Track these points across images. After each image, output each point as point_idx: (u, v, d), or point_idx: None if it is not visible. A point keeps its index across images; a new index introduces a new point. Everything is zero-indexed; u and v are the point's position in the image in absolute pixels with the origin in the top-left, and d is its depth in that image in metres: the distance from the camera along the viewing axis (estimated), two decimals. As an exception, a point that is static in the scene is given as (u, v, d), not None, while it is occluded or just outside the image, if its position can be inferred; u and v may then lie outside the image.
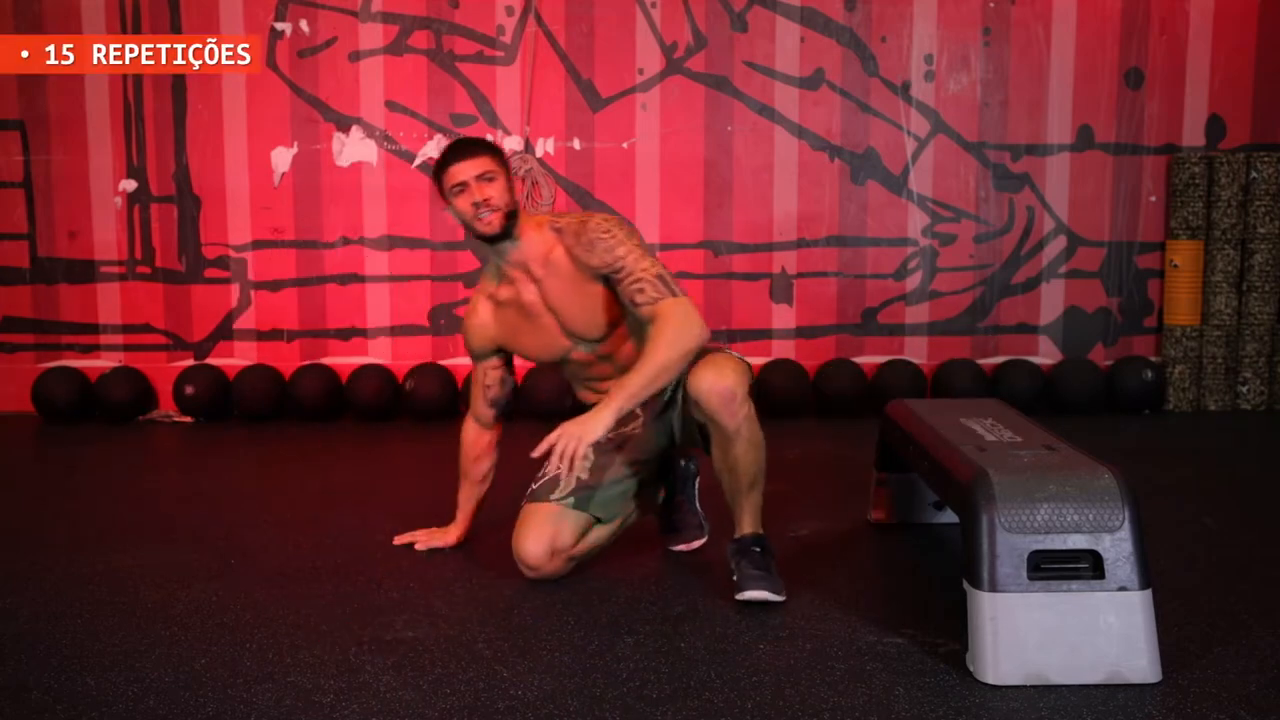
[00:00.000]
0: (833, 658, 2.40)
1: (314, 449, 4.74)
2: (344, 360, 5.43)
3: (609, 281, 2.84)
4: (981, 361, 5.41)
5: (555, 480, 2.90)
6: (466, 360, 5.39)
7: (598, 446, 2.86)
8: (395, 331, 5.46)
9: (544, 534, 2.85)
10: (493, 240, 2.85)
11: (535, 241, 2.88)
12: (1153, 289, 5.51)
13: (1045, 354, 5.51)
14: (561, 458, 2.61)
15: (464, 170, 2.80)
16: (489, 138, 5.36)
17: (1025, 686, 2.24)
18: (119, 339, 5.45)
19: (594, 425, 2.61)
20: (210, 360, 5.43)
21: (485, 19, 5.33)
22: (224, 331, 5.46)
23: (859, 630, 2.56)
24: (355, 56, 5.33)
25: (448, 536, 3.20)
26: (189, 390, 5.24)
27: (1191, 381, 5.38)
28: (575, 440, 2.61)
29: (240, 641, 2.51)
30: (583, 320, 2.90)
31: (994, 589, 2.25)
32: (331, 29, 5.32)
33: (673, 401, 2.94)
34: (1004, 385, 5.26)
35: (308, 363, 5.38)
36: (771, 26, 5.35)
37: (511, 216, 2.82)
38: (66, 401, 5.22)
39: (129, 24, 5.29)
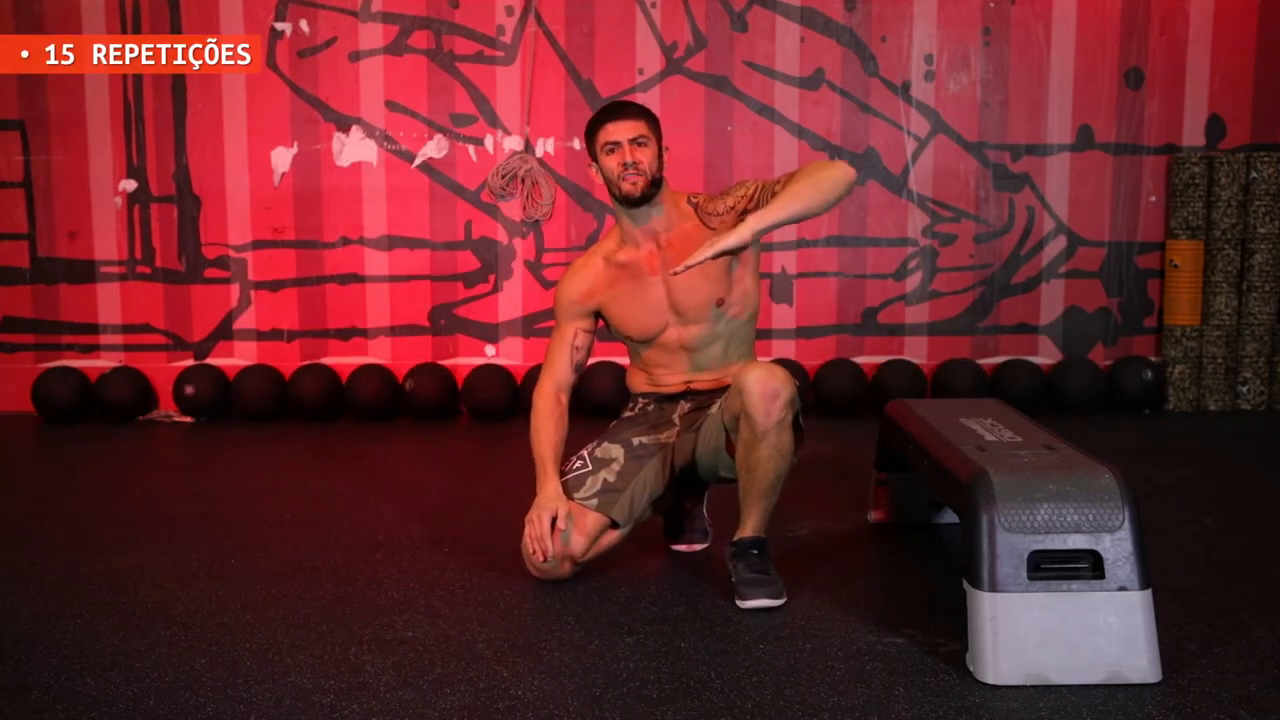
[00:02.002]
0: (833, 658, 2.40)
1: (314, 449, 4.74)
2: (344, 360, 5.43)
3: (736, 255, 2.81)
4: (981, 361, 5.41)
5: (582, 477, 2.90)
6: (466, 360, 5.47)
7: (630, 450, 2.90)
8: (395, 331, 5.46)
9: (557, 539, 2.82)
10: (633, 204, 2.88)
11: (671, 212, 2.95)
12: (1153, 289, 5.51)
13: (1045, 354, 5.51)
14: (697, 255, 2.67)
15: (619, 130, 2.85)
16: (488, 139, 5.37)
17: (1025, 686, 2.24)
18: (119, 339, 5.45)
19: (736, 233, 2.65)
20: (210, 360, 5.43)
21: (485, 19, 5.33)
22: (224, 331, 5.46)
23: (859, 630, 2.56)
24: (355, 56, 5.33)
25: (560, 504, 2.84)
26: (189, 390, 5.24)
27: (1191, 381, 5.38)
28: (720, 239, 2.65)
29: (240, 641, 2.51)
30: (693, 297, 2.91)
31: (994, 589, 2.25)
32: (331, 29, 5.32)
33: (705, 414, 2.97)
34: (1004, 385, 5.26)
35: (308, 363, 5.38)
36: (771, 26, 5.35)
37: (656, 184, 2.88)
38: (66, 401, 5.22)
39: (129, 24, 5.29)
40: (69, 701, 2.21)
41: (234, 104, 5.33)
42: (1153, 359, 5.42)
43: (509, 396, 5.25)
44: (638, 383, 3.12)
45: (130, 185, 5.38)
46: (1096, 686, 2.24)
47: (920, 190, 5.43)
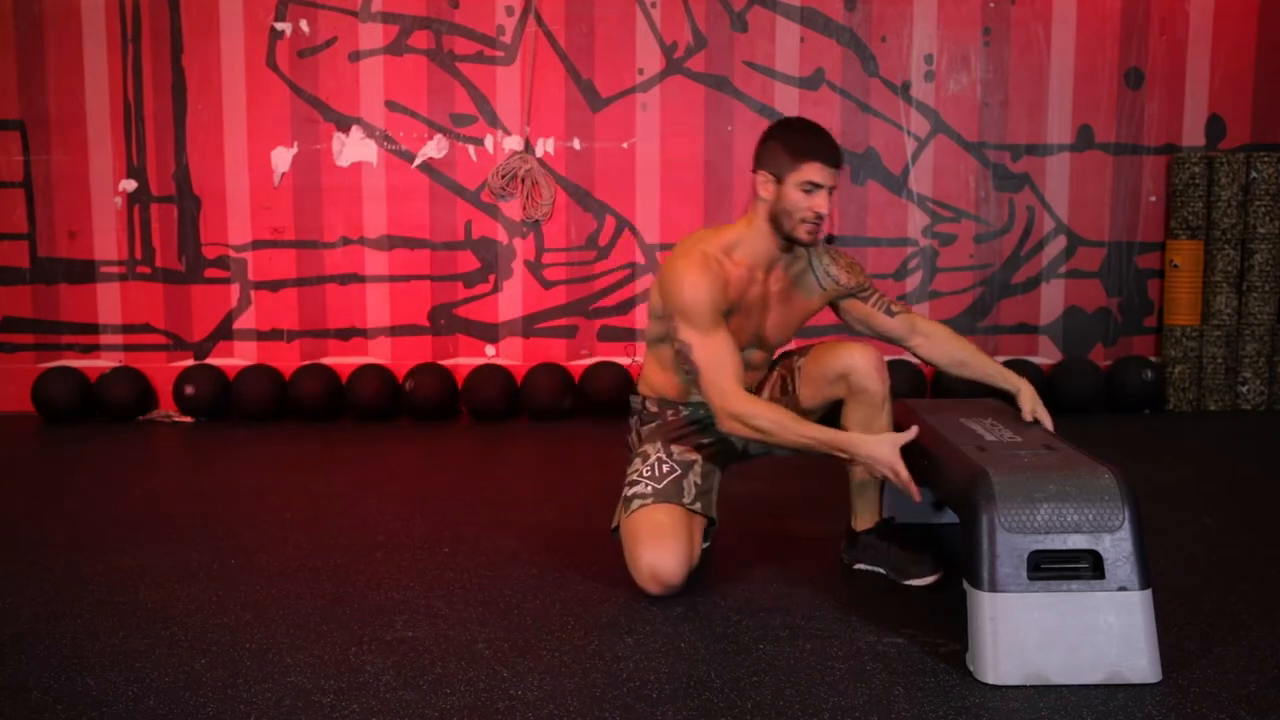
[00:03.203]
0: (833, 658, 2.40)
1: (314, 449, 4.74)
2: (344, 360, 5.43)
3: (834, 302, 2.96)
4: (981, 361, 5.40)
5: (678, 482, 2.81)
6: (466, 360, 5.46)
7: (704, 450, 2.88)
8: (395, 331, 5.46)
9: (683, 550, 2.71)
10: (792, 243, 2.78)
11: (797, 251, 2.87)
12: (1153, 289, 5.51)
13: (1045, 354, 5.51)
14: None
15: (827, 176, 2.69)
16: (488, 139, 5.37)
17: (1025, 686, 2.24)
18: (119, 339, 5.45)
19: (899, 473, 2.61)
20: (210, 360, 5.43)
21: (485, 19, 5.33)
22: (224, 331, 5.46)
23: (859, 630, 2.56)
24: (355, 56, 5.33)
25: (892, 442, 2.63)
26: (189, 390, 5.24)
27: (1191, 381, 5.37)
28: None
29: (240, 641, 2.51)
30: (782, 332, 2.92)
31: (994, 589, 2.25)
32: (331, 29, 5.32)
33: None
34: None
35: (308, 363, 5.38)
36: (771, 26, 5.35)
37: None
38: (66, 401, 5.22)
39: (129, 24, 5.29)
40: (69, 701, 2.21)
41: (234, 104, 5.33)
42: (1153, 359, 5.42)
43: (509, 396, 5.25)
44: (678, 391, 2.94)
45: (130, 185, 5.38)
46: (1096, 687, 2.23)
47: (920, 190, 5.43)
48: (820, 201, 2.68)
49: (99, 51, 5.31)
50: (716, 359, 2.69)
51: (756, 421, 2.66)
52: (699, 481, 2.84)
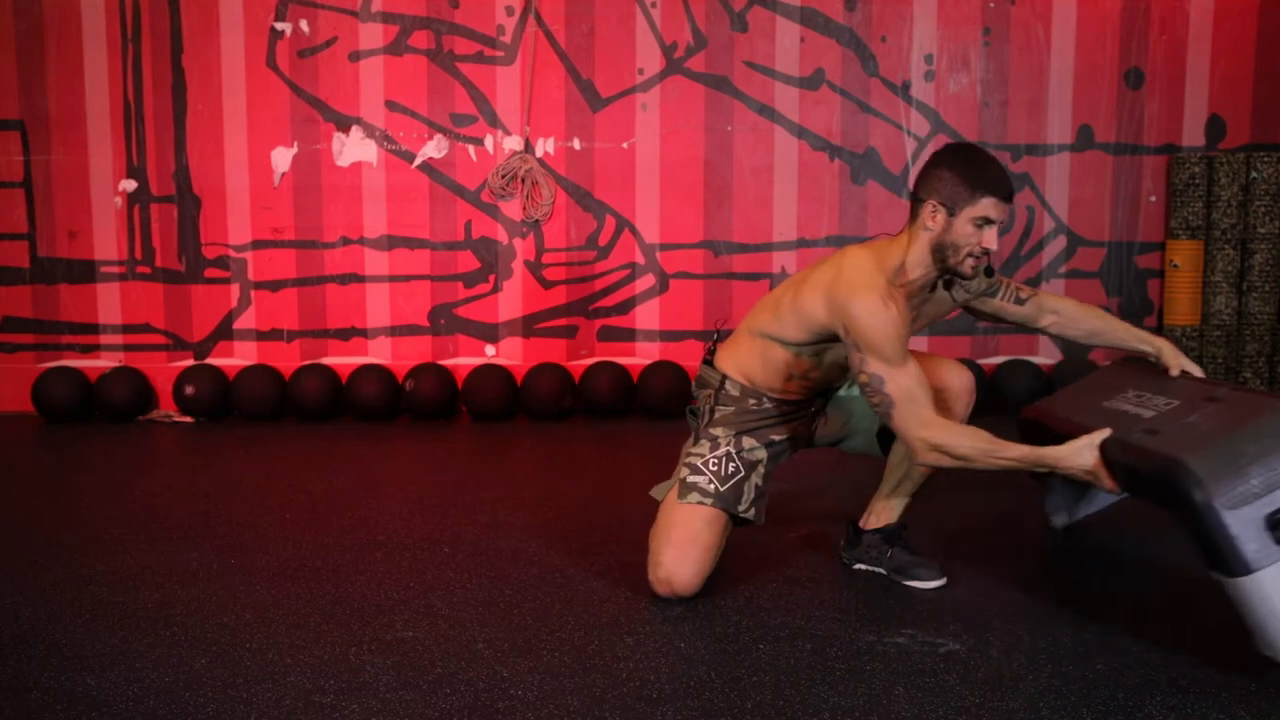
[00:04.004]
0: (833, 658, 2.40)
1: (314, 449, 4.74)
2: (344, 360, 5.43)
3: (964, 304, 2.95)
4: (981, 361, 5.41)
5: (740, 485, 2.77)
6: (466, 360, 5.46)
7: (771, 449, 2.85)
8: (395, 331, 5.46)
9: (705, 566, 2.71)
10: (950, 274, 2.69)
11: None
12: (1153, 289, 5.51)
13: (1045, 354, 5.51)
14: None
15: (1003, 211, 2.60)
16: (488, 139, 5.37)
17: (1024, 687, 2.23)
18: (119, 339, 5.45)
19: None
20: (210, 360, 5.43)
21: (485, 19, 5.33)
22: (224, 331, 5.46)
23: (859, 630, 2.56)
24: (355, 56, 5.33)
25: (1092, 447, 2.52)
26: (189, 390, 5.24)
27: (1191, 381, 5.37)
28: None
29: (240, 641, 2.51)
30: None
31: (1250, 570, 2.14)
32: (331, 29, 5.32)
33: (830, 399, 2.98)
34: (1004, 385, 5.26)
35: (308, 363, 5.38)
36: (771, 26, 5.35)
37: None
38: (66, 401, 5.22)
39: (129, 24, 5.29)
40: (69, 701, 2.21)
41: (234, 104, 5.33)
42: (1153, 359, 5.41)
43: (509, 396, 5.25)
44: (777, 383, 2.84)
45: (130, 185, 5.38)
46: (1095, 685, 2.23)
47: (920, 190, 5.43)
48: (991, 238, 2.60)
49: (99, 51, 5.31)
50: (911, 391, 2.58)
51: (959, 451, 2.55)
52: (759, 484, 2.81)
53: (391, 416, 5.30)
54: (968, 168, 2.60)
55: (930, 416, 2.57)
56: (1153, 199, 5.46)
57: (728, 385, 2.87)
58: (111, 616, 2.67)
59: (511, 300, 5.46)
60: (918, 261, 2.67)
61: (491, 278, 5.45)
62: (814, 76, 5.38)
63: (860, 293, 2.60)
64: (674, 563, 2.70)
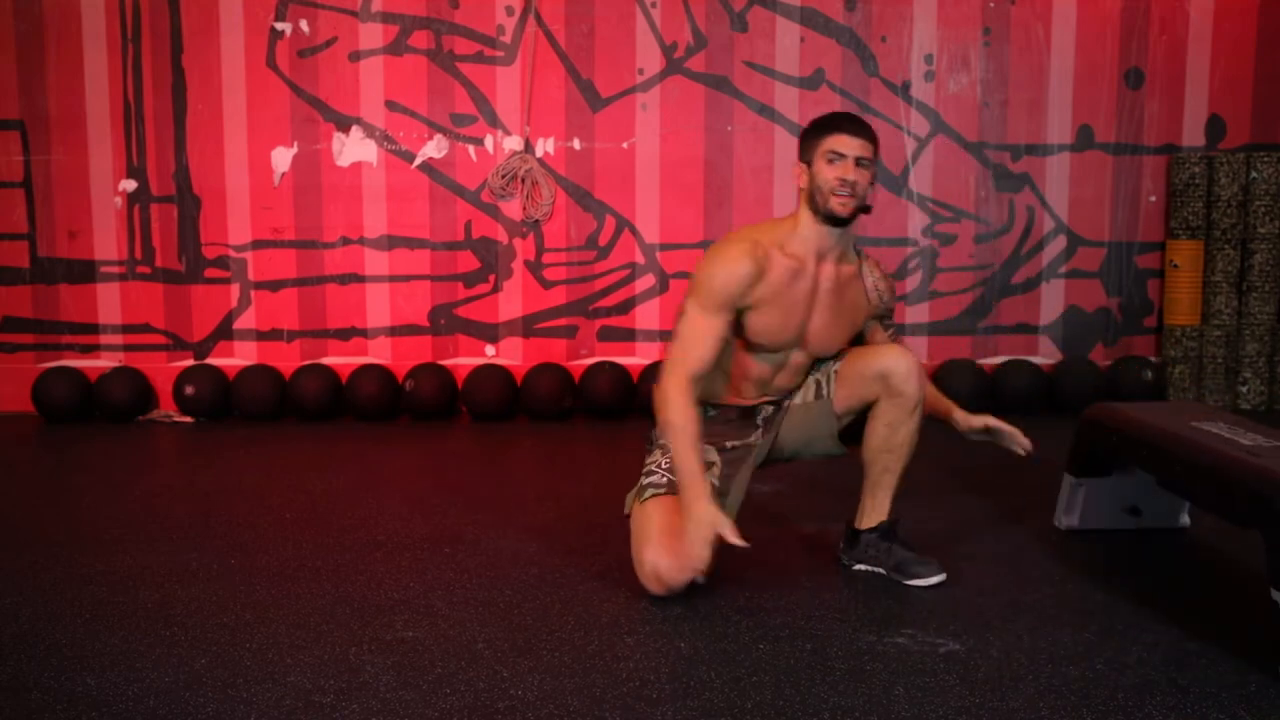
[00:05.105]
0: (833, 658, 2.40)
1: (314, 449, 4.74)
2: (344, 360, 5.43)
3: (866, 321, 2.98)
4: (981, 361, 5.41)
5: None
6: (466, 360, 5.46)
7: (725, 454, 2.87)
8: (395, 331, 5.46)
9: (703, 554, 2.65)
10: (830, 222, 2.76)
11: (848, 245, 2.88)
12: (1153, 289, 5.51)
13: (1045, 354, 5.51)
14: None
15: (850, 145, 2.72)
16: (488, 139, 5.37)
17: (1027, 685, 2.23)
18: (119, 339, 5.45)
19: (981, 419, 2.91)
20: (210, 360, 5.43)
21: (485, 19, 5.33)
22: (224, 331, 5.46)
23: (859, 630, 2.56)
24: (355, 56, 5.33)
25: (721, 521, 2.61)
26: (189, 390, 5.24)
27: (1191, 381, 5.38)
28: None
29: (240, 641, 2.51)
30: (827, 336, 2.89)
31: None
32: (331, 29, 5.32)
33: (781, 410, 2.97)
34: (1004, 385, 5.26)
35: (308, 363, 5.38)
36: (771, 26, 5.35)
37: (863, 211, 2.78)
38: (66, 401, 5.22)
39: (129, 24, 5.29)
40: (69, 701, 2.21)
41: (234, 104, 5.33)
42: (1153, 359, 5.42)
43: (509, 396, 5.25)
44: (714, 391, 2.93)
45: (130, 185, 5.38)
46: (1098, 687, 2.23)
47: (920, 190, 5.43)
48: (845, 169, 2.70)
49: (99, 51, 5.31)
50: (695, 340, 2.75)
51: (665, 412, 2.71)
52: (715, 483, 2.81)
53: (391, 416, 5.30)
54: (814, 122, 2.80)
55: (682, 371, 2.72)
56: (1153, 199, 5.46)
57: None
58: (111, 616, 2.67)
59: (511, 300, 5.46)
60: (804, 222, 2.79)
61: (491, 278, 5.45)
62: (814, 76, 5.38)
63: (719, 243, 2.84)
64: (656, 555, 2.69)
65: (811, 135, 2.78)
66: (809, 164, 2.77)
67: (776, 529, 3.38)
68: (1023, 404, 5.24)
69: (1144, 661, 2.37)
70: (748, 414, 2.98)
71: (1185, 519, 3.32)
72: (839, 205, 2.72)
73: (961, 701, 2.19)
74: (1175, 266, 5.34)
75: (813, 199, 2.76)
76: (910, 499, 3.67)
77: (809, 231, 2.80)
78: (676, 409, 2.70)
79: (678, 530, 2.67)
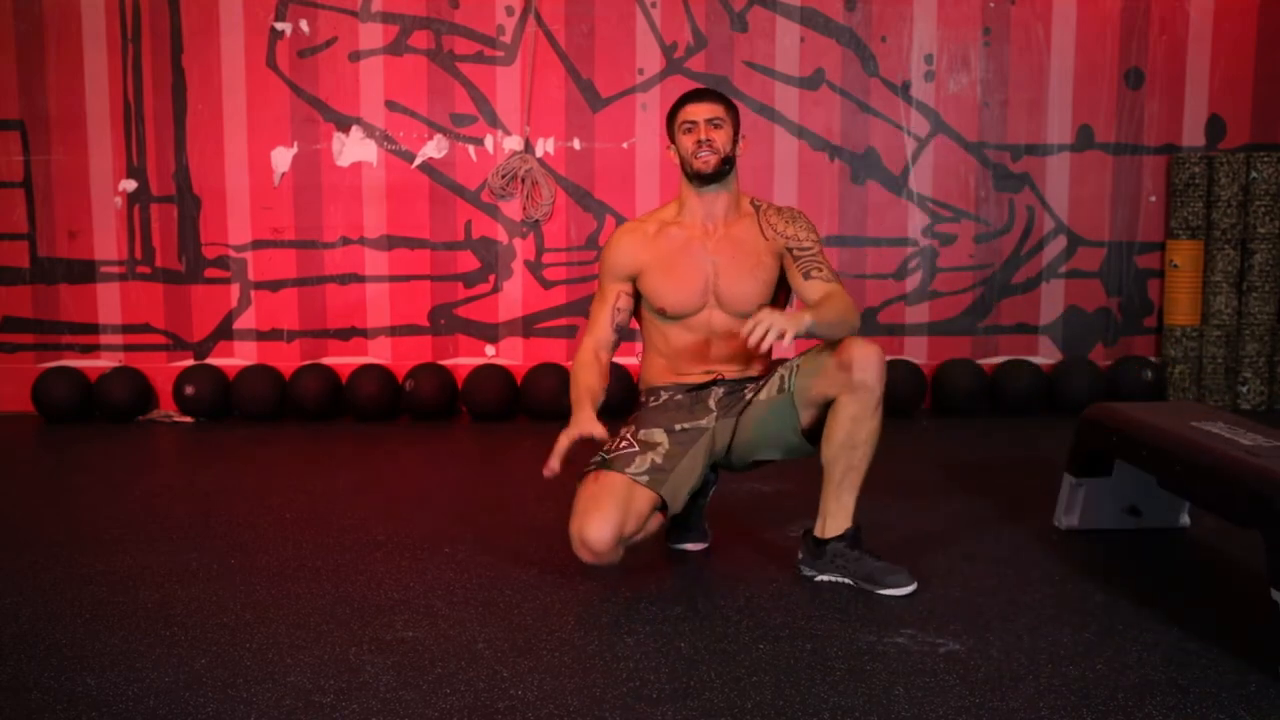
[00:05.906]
0: (833, 658, 2.40)
1: (314, 449, 4.74)
2: (344, 360, 5.43)
3: (782, 263, 2.99)
4: (981, 361, 5.41)
5: (630, 456, 2.86)
6: (466, 360, 5.47)
7: (673, 435, 2.91)
8: (395, 331, 5.46)
9: (612, 517, 2.75)
10: (704, 181, 2.95)
11: (734, 204, 3.03)
12: (1153, 289, 5.51)
13: (1045, 354, 5.51)
14: (760, 327, 2.60)
15: (697, 111, 2.96)
16: (488, 139, 5.37)
17: (1027, 684, 2.23)
18: (119, 339, 5.45)
19: (795, 321, 2.64)
20: (210, 360, 5.43)
21: (485, 19, 5.33)
22: (224, 331, 5.46)
23: (859, 630, 2.56)
24: (355, 56, 5.33)
25: (593, 427, 2.84)
26: (189, 390, 5.24)
27: (1191, 381, 5.38)
28: (782, 321, 2.61)
29: (240, 641, 2.51)
30: (737, 288, 2.95)
31: None
32: (331, 29, 5.32)
33: (741, 399, 2.97)
34: (1004, 385, 5.26)
35: (308, 363, 5.38)
36: (771, 26, 5.35)
37: (728, 162, 2.96)
38: (66, 401, 5.21)
39: (129, 24, 5.29)
40: (69, 701, 2.21)
41: (234, 104, 5.33)
42: (1153, 359, 5.42)
43: (509, 396, 5.25)
44: (658, 374, 3.07)
45: (130, 185, 5.38)
46: (1099, 687, 2.24)
47: (920, 190, 5.43)
48: (699, 132, 2.93)
49: (99, 51, 5.31)
50: (595, 312, 3.06)
51: (574, 360, 3.02)
52: (658, 460, 2.85)
53: (391, 416, 5.30)
54: (673, 106, 3.03)
55: (581, 344, 3.03)
56: (1153, 199, 5.46)
57: (641, 397, 3.13)
58: (111, 616, 2.67)
59: (511, 300, 5.46)
60: (690, 196, 3.01)
61: (491, 278, 5.45)
62: (814, 76, 5.38)
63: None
64: (579, 521, 2.78)
65: (669, 119, 3.02)
66: (674, 142, 3.01)
67: (777, 529, 3.38)
68: (1023, 404, 5.24)
69: (1144, 661, 2.37)
70: (698, 396, 3.00)
71: (1185, 519, 3.32)
72: (701, 164, 2.93)
73: (961, 701, 2.19)
74: (1175, 266, 5.34)
75: (684, 170, 2.98)
76: (910, 499, 3.68)
77: (692, 201, 3.01)
78: (574, 364, 3.01)
79: (600, 498, 2.78)
